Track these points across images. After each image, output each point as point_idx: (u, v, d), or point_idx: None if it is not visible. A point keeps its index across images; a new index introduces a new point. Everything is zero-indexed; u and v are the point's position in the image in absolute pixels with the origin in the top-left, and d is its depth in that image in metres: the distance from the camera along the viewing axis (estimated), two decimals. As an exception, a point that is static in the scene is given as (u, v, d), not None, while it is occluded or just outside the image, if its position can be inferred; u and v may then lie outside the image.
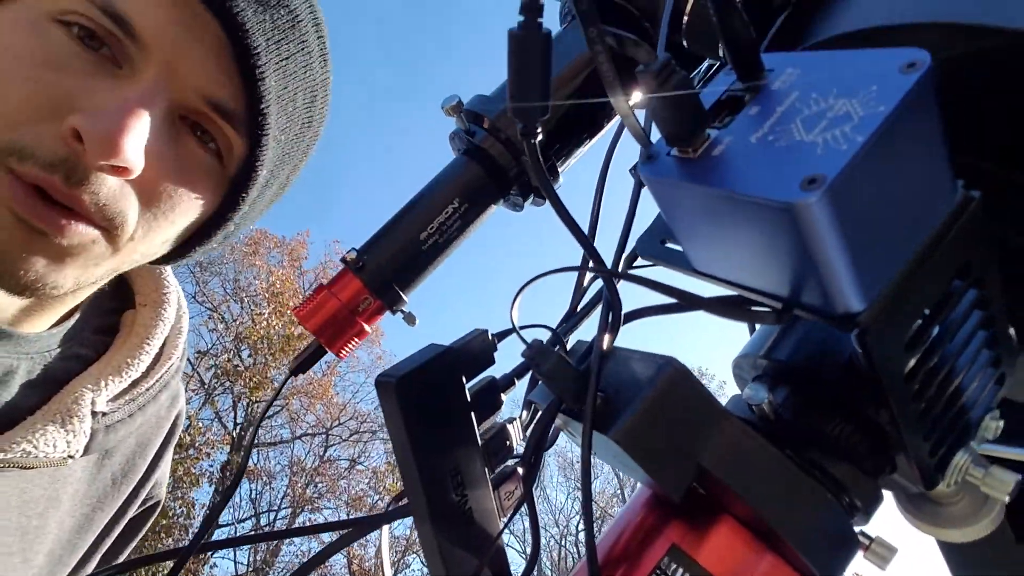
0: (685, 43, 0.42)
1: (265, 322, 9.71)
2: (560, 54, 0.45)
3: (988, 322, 0.28)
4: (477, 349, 0.32)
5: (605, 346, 0.28)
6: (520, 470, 0.32)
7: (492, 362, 0.33)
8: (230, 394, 10.07)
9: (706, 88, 0.26)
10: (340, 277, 0.41)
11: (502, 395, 0.33)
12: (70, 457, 0.45)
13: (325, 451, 11.18)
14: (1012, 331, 0.31)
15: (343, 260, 0.42)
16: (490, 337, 0.33)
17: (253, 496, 11.00)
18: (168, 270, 0.56)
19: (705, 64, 0.47)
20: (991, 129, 0.31)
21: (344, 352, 0.41)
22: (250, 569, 10.79)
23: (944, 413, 0.28)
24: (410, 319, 0.44)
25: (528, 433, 0.33)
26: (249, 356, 10.00)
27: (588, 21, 0.23)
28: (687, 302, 0.27)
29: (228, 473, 9.89)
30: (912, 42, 0.28)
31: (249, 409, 10.42)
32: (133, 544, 0.61)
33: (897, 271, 0.23)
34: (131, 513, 0.58)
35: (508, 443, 0.33)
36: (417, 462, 0.27)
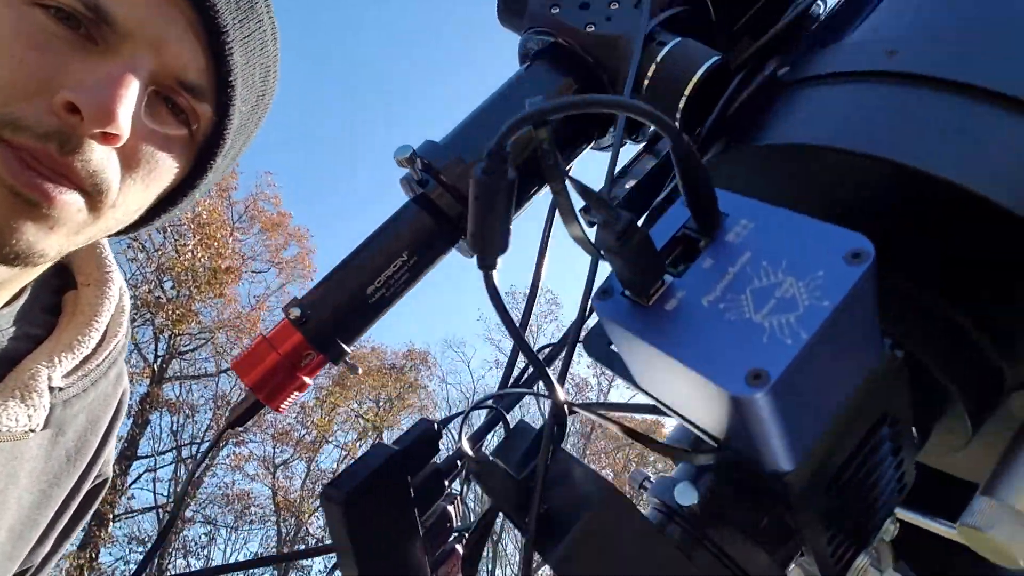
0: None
1: (190, 254, 9.28)
2: (520, 98, 0.44)
3: (898, 449, 0.30)
4: (423, 443, 0.32)
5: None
6: (460, 549, 0.33)
7: (437, 451, 0.33)
8: (151, 326, 9.68)
9: (659, 225, 0.27)
10: (282, 331, 0.40)
11: (445, 481, 0.33)
12: (31, 431, 0.46)
13: (252, 385, 10.99)
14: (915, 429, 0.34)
15: (285, 314, 0.40)
16: (436, 428, 0.33)
17: (174, 428, 10.79)
18: (108, 249, 0.57)
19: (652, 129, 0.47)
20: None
21: (283, 407, 0.41)
22: (170, 501, 10.68)
23: (849, 524, 0.31)
24: (353, 369, 0.43)
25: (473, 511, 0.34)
26: (172, 288, 9.59)
27: (552, 177, 0.23)
28: (632, 437, 0.28)
29: (147, 406, 9.62)
30: (836, 164, 0.29)
31: (172, 342, 10.07)
32: (84, 520, 0.62)
33: (823, 433, 0.25)
34: (85, 490, 0.59)
35: (449, 524, 0.34)
36: (361, 572, 0.28)
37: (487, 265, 0.26)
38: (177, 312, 9.35)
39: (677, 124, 0.40)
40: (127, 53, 0.43)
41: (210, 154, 0.50)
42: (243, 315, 10.45)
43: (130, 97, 0.43)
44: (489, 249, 0.25)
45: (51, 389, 0.49)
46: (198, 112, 0.48)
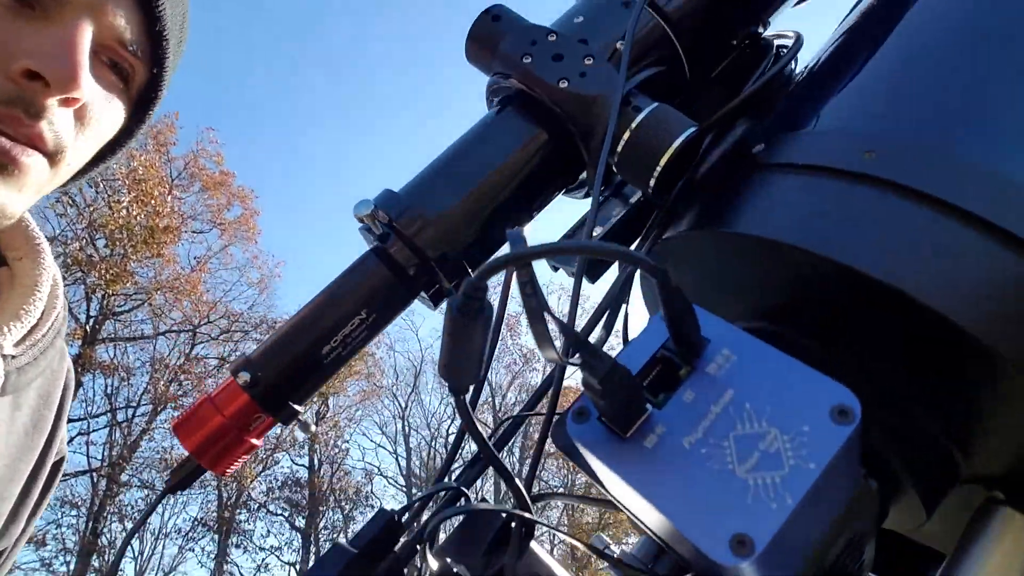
0: (615, 168, 0.40)
1: (124, 211, 8.81)
2: (487, 150, 0.42)
3: (860, 551, 0.30)
4: (383, 538, 0.31)
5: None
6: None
7: (397, 542, 0.32)
8: (83, 285, 9.22)
9: (637, 343, 0.26)
10: (229, 393, 0.38)
11: (404, 570, 0.32)
12: None
13: (192, 349, 10.68)
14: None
15: (233, 376, 0.38)
16: (396, 519, 0.31)
17: (108, 392, 10.41)
18: (32, 221, 0.58)
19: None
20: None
21: (229, 471, 0.38)
22: (104, 464, 10.36)
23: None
24: (305, 428, 0.41)
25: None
26: (106, 246, 9.12)
27: (532, 313, 0.21)
28: (597, 555, 0.27)
29: (80, 368, 9.21)
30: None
31: (105, 302, 9.63)
32: (48, 499, 0.63)
33: (802, 567, 0.24)
34: (48, 466, 0.60)
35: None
36: None
37: (458, 391, 0.24)
38: (111, 272, 8.92)
39: (651, 186, 0.39)
40: (70, 18, 0.45)
41: (147, 104, 0.53)
42: (183, 276, 10.07)
43: (86, 61, 0.45)
44: (462, 380, 0.23)
45: (3, 357, 0.50)
46: (135, 67, 0.50)
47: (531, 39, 0.41)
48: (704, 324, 0.25)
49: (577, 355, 0.23)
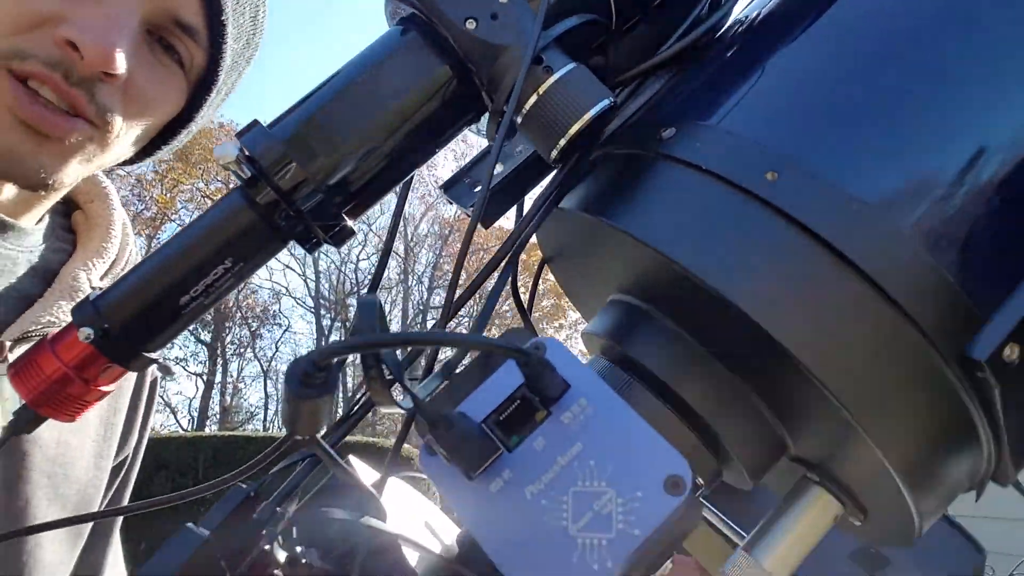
0: (519, 127, 0.37)
1: None
2: (379, 84, 0.37)
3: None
4: (237, 517, 0.31)
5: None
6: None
7: (252, 516, 0.32)
8: None
9: (489, 385, 0.25)
10: (71, 341, 0.34)
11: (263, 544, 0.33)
12: None
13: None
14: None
15: (76, 328, 0.34)
16: (252, 495, 0.31)
17: None
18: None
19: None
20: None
21: (78, 417, 0.36)
22: None
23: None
24: (165, 371, 0.39)
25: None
26: None
27: (376, 393, 0.20)
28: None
29: None
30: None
31: None
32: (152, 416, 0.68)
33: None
34: (147, 387, 0.65)
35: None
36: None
37: (311, 435, 0.23)
38: None
39: (553, 157, 0.36)
40: None
41: (204, 91, 0.54)
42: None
43: (126, 37, 0.45)
44: (307, 431, 0.22)
45: (92, 289, 0.52)
46: (190, 50, 0.51)
47: (440, -39, 0.35)
48: (567, 368, 0.25)
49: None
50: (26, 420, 0.36)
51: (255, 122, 0.36)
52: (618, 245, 0.36)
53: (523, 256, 0.41)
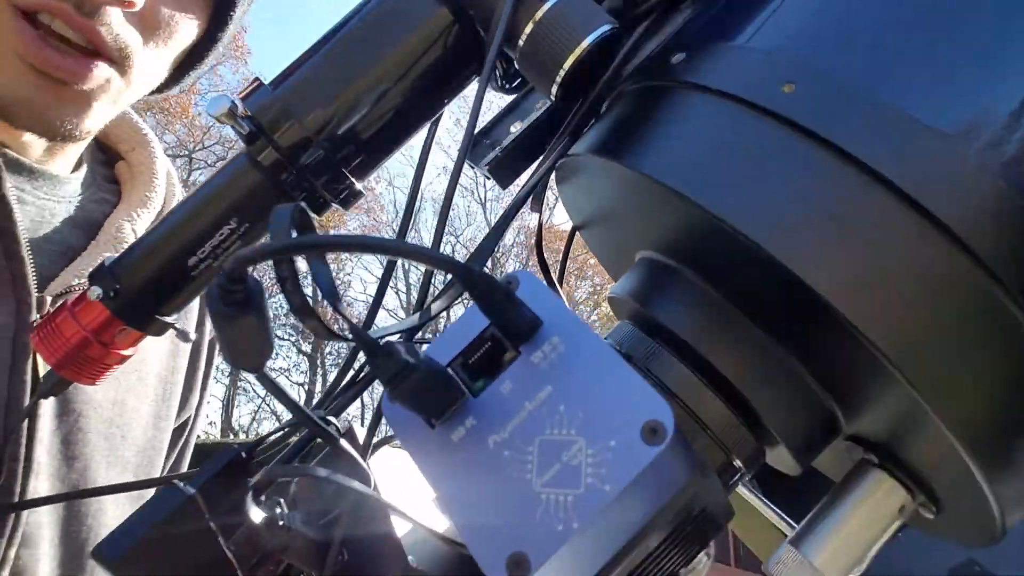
0: (516, 63, 0.34)
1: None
2: (375, 32, 0.35)
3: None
4: (226, 475, 0.30)
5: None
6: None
7: (245, 478, 0.31)
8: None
9: (456, 327, 0.23)
10: (88, 305, 0.35)
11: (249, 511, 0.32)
12: None
13: (189, 175, 10.55)
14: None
15: (95, 287, 0.35)
16: (243, 456, 0.31)
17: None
18: (133, 113, 0.58)
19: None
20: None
21: (99, 381, 0.37)
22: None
23: None
24: (183, 336, 0.39)
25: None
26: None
27: (299, 310, 0.18)
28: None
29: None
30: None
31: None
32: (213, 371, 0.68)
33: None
34: (205, 346, 0.64)
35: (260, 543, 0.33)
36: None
37: (256, 370, 0.22)
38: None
39: (554, 93, 0.33)
40: None
41: (228, 5, 0.50)
42: (171, 97, 9.66)
43: None
44: (253, 361, 0.21)
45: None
46: None
47: None
48: (539, 302, 0.22)
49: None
50: (51, 383, 0.37)
51: (257, 80, 0.35)
52: (633, 189, 0.33)
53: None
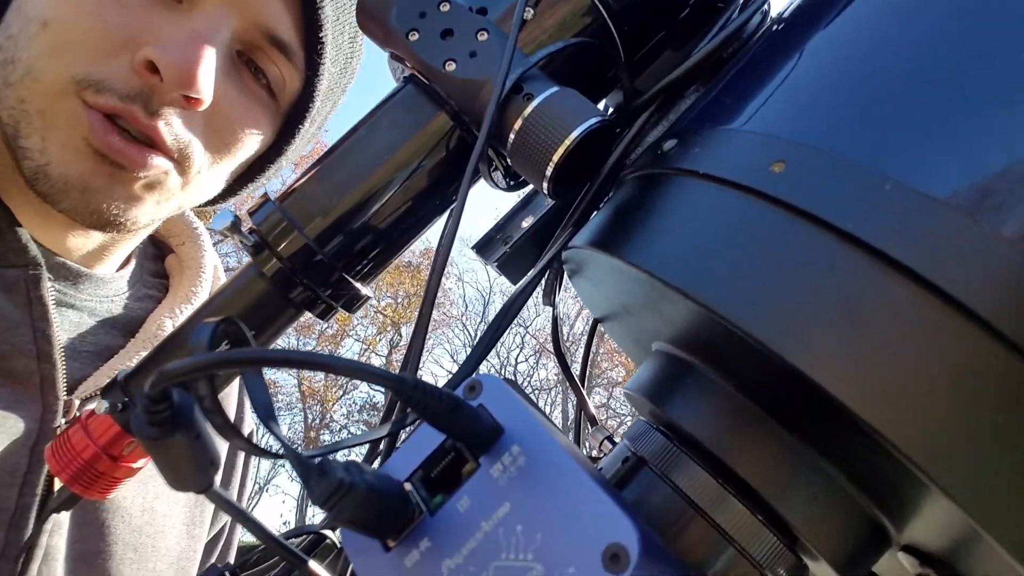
0: (510, 163, 0.34)
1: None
2: (378, 140, 0.36)
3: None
4: None
5: None
6: None
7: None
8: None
9: (415, 440, 0.21)
10: (97, 419, 0.36)
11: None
12: None
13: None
14: None
15: (103, 400, 0.36)
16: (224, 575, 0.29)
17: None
18: (188, 210, 0.57)
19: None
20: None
21: (108, 495, 0.37)
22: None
23: None
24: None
25: None
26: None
27: (218, 427, 0.17)
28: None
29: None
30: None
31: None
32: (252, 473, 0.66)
33: None
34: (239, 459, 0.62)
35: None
36: None
37: (204, 490, 0.20)
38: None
39: (546, 187, 0.33)
40: (212, 9, 0.41)
41: (297, 119, 0.48)
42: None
43: (211, 57, 0.40)
44: (198, 483, 0.20)
45: None
46: (283, 72, 0.45)
47: (420, 10, 0.34)
48: (503, 408, 0.21)
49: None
50: (63, 499, 0.37)
51: (264, 195, 0.36)
52: (634, 282, 0.31)
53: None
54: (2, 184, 0.43)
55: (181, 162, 0.44)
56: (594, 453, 0.41)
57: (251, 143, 0.47)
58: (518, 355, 14.62)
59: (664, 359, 0.33)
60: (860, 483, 0.27)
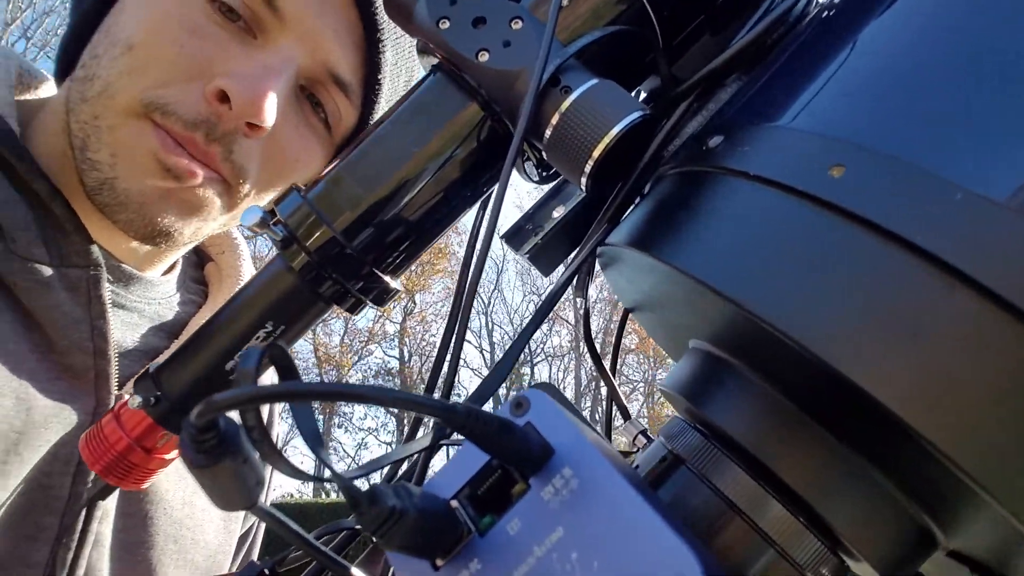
0: (545, 155, 0.33)
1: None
2: (406, 132, 0.35)
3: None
4: None
5: None
6: None
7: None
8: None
9: (458, 459, 0.21)
10: (130, 412, 0.36)
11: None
12: None
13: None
14: None
15: (136, 393, 0.36)
16: (265, 573, 0.29)
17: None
18: None
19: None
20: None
21: (143, 485, 0.37)
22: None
23: None
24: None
25: None
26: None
27: (264, 454, 0.17)
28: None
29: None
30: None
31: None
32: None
33: None
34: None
35: None
36: None
37: (250, 506, 0.20)
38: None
39: (584, 184, 0.32)
40: (284, 47, 0.44)
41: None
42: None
43: (278, 90, 0.43)
44: (242, 502, 0.19)
45: None
46: (340, 107, 0.48)
47: (451, -4, 0.33)
48: (552, 426, 0.20)
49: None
50: (97, 489, 0.38)
51: (292, 186, 0.36)
52: (675, 282, 0.30)
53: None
54: (66, 191, 0.45)
55: (233, 185, 0.46)
56: (626, 447, 0.40)
57: (303, 171, 0.49)
58: (530, 323, 14.65)
59: (703, 358, 0.32)
60: (907, 488, 0.27)
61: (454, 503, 0.20)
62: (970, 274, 0.20)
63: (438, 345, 0.30)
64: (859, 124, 0.24)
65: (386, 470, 0.29)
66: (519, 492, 0.20)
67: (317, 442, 0.17)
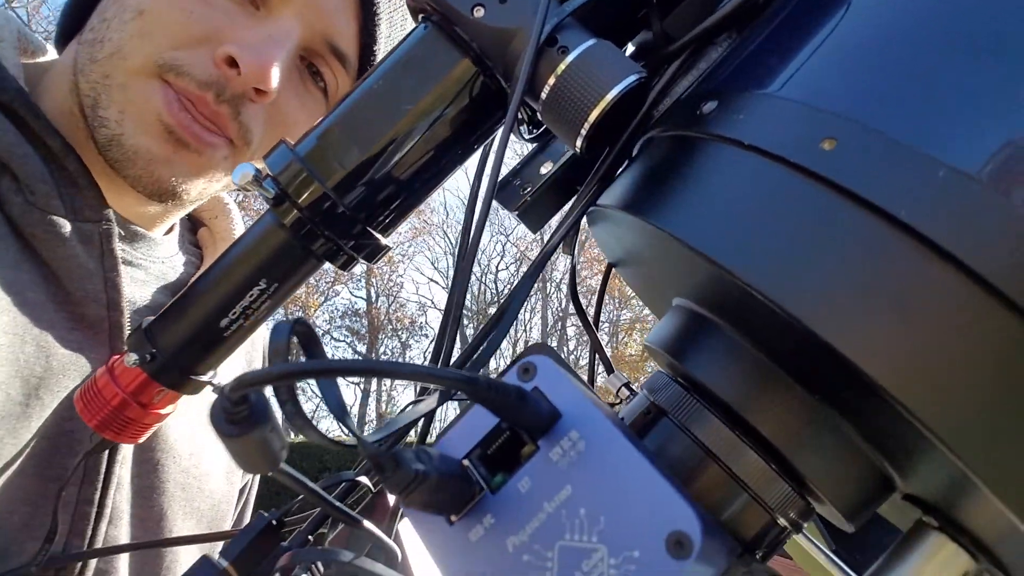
0: (539, 115, 0.33)
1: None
2: (397, 87, 0.35)
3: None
4: (257, 546, 0.30)
5: None
6: None
7: (277, 545, 0.31)
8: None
9: (468, 421, 0.22)
10: (125, 368, 0.36)
11: None
12: None
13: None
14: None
15: (128, 349, 0.36)
16: (274, 524, 0.31)
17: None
18: None
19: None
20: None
21: (140, 439, 0.38)
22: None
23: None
24: (219, 391, 0.40)
25: None
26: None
27: (297, 427, 0.18)
28: None
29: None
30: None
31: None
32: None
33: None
34: None
35: None
36: None
37: (271, 470, 0.21)
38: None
39: (579, 146, 0.32)
40: (286, 18, 0.47)
41: None
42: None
43: (284, 58, 0.46)
44: (267, 465, 0.20)
45: None
46: (339, 80, 0.51)
47: (443, -55, 0.32)
48: (558, 391, 0.21)
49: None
50: (94, 443, 0.38)
51: (281, 141, 0.35)
52: (664, 245, 0.31)
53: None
54: (79, 149, 0.47)
55: (239, 147, 0.48)
56: (611, 399, 0.42)
57: (301, 134, 0.53)
58: (499, 263, 14.71)
59: (687, 316, 0.34)
60: (870, 437, 0.29)
61: (466, 462, 0.22)
62: (948, 248, 0.21)
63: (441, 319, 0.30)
64: (849, 97, 0.25)
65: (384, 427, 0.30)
66: (528, 453, 0.21)
67: (343, 412, 0.18)
